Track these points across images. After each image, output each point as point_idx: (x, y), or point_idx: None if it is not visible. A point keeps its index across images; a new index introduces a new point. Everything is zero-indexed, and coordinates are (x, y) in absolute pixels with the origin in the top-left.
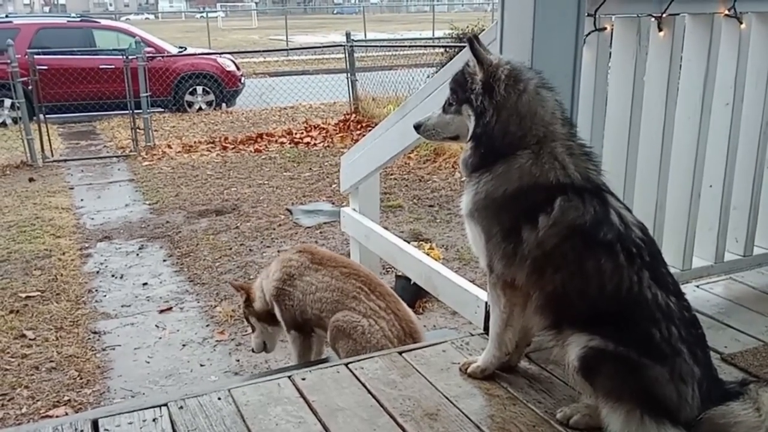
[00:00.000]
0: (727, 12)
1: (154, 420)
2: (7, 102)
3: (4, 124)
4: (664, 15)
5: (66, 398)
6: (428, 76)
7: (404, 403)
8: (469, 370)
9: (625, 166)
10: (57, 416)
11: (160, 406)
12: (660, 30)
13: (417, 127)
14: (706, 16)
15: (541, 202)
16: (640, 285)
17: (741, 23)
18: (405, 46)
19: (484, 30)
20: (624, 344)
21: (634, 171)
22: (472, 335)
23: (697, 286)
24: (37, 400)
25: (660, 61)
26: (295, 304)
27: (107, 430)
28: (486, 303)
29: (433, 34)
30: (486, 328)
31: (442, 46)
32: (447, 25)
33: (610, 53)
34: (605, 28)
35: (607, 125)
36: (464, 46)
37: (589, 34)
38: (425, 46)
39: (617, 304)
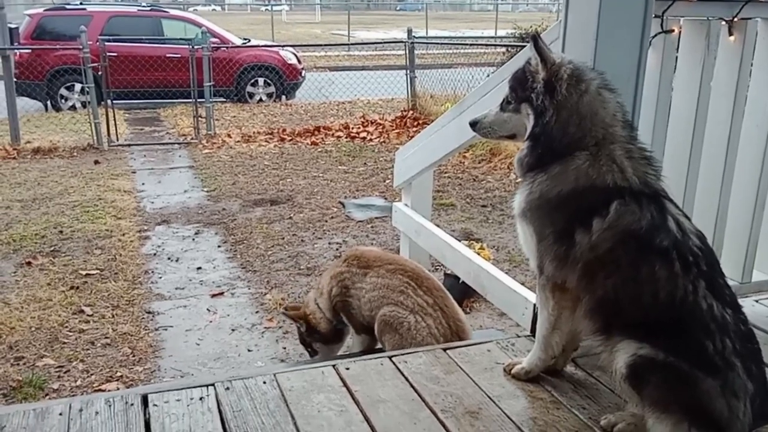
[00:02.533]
0: None
1: (201, 399)
2: (78, 86)
3: (74, 108)
4: (735, 19)
5: (118, 374)
6: (488, 75)
7: (446, 400)
8: (513, 371)
9: (686, 172)
10: (109, 390)
11: (207, 386)
12: (730, 34)
13: (473, 125)
14: None
15: (597, 204)
16: (695, 294)
17: None
18: (466, 44)
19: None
20: (675, 354)
21: (695, 178)
22: (519, 336)
23: (757, 301)
24: (91, 374)
25: (729, 66)
26: (356, 312)
27: (156, 405)
28: (534, 305)
29: (496, 33)
30: (533, 330)
31: (504, 45)
32: (510, 24)
33: (677, 57)
34: (673, 31)
35: (669, 130)
36: (526, 46)
37: (655, 35)
38: (487, 45)
39: (670, 312)
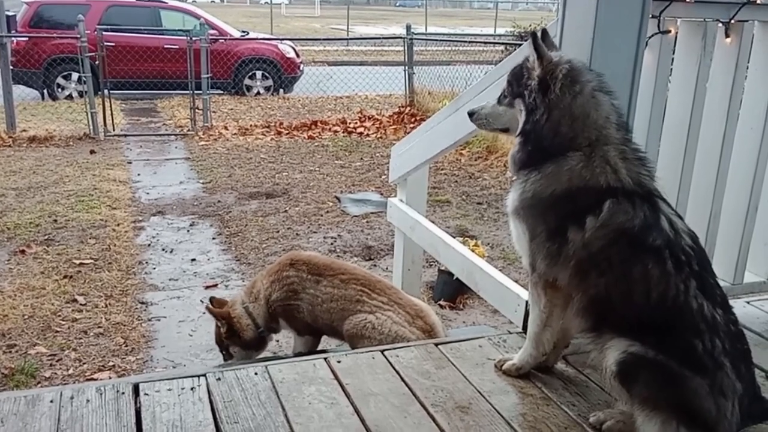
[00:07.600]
0: None
1: (192, 389)
2: (75, 75)
3: (70, 97)
4: (732, 21)
5: (111, 363)
6: (486, 73)
7: (436, 394)
8: (504, 367)
9: (680, 173)
10: (101, 379)
11: (198, 376)
12: (727, 36)
13: (471, 114)
14: None
15: (590, 204)
16: (686, 294)
17: None
18: (465, 42)
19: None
20: (665, 353)
21: (689, 179)
22: (511, 333)
23: (748, 302)
24: (84, 363)
25: (725, 68)
26: (306, 315)
27: (147, 394)
28: (526, 302)
29: (495, 31)
30: (525, 327)
31: (503, 44)
32: (509, 22)
33: (673, 58)
34: (669, 31)
35: (664, 130)
36: (524, 44)
37: (652, 36)
38: (486, 43)
39: (661, 311)
